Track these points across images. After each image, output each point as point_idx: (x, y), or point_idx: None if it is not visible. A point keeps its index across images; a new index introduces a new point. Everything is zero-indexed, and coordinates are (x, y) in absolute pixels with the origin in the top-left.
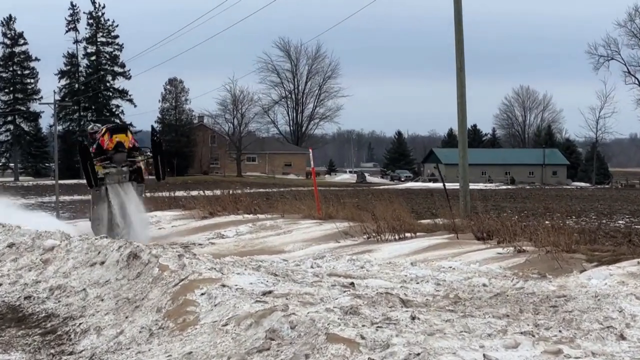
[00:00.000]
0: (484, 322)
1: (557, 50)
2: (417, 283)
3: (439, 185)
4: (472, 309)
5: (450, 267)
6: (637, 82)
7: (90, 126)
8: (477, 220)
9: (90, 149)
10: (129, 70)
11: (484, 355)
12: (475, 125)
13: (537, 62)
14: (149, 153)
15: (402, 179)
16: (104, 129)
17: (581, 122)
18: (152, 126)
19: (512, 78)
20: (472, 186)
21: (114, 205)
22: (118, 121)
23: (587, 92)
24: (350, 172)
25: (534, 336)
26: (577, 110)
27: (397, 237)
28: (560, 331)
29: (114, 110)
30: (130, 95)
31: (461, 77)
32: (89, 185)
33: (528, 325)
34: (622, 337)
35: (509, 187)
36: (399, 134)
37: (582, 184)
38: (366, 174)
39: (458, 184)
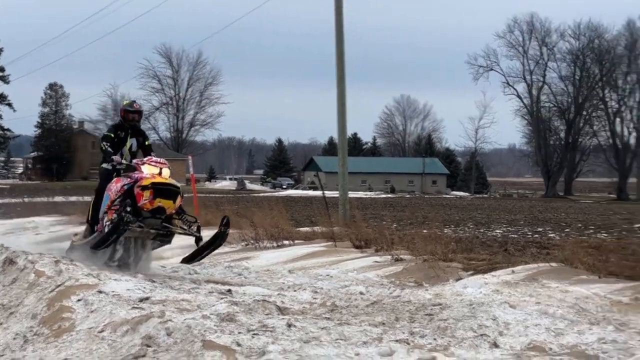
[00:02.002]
0: (360, 330)
1: (438, 60)
2: (295, 291)
3: (319, 193)
4: (349, 317)
5: (328, 275)
6: (515, 93)
7: (127, 162)
8: (355, 229)
9: (113, 179)
10: (9, 75)
11: None
12: (356, 134)
13: (418, 72)
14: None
15: (284, 187)
16: (149, 183)
17: (461, 131)
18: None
19: (393, 87)
20: (352, 194)
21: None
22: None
23: (467, 102)
24: (230, 179)
25: (409, 344)
26: (457, 120)
27: (275, 244)
28: (435, 339)
29: None
30: (8, 100)
31: (341, 86)
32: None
33: (403, 333)
34: (495, 345)
35: (389, 195)
36: (280, 141)
37: (461, 193)
38: (246, 181)
39: (338, 192)
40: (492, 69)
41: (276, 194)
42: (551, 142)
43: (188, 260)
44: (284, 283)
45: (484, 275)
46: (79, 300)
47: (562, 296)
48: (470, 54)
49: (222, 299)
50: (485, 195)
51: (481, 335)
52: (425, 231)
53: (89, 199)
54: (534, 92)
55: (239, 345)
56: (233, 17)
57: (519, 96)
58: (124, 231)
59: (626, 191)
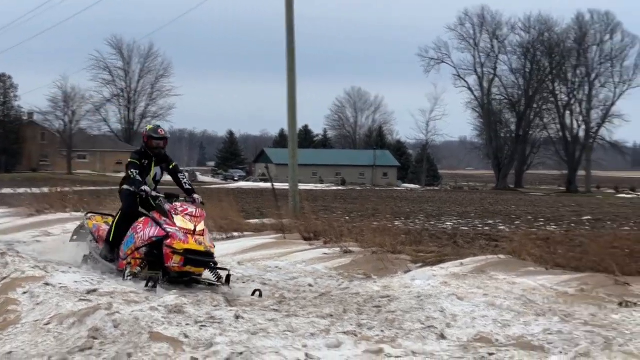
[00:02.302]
0: (308, 321)
1: (389, 52)
2: (243, 282)
3: (270, 185)
4: (297, 309)
5: (277, 267)
6: (466, 85)
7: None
8: (305, 221)
9: (141, 219)
10: None
11: (306, 354)
12: (306, 126)
13: (369, 64)
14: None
15: (236, 179)
16: (181, 249)
17: (412, 124)
18: None
19: (344, 79)
20: (303, 187)
21: None
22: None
23: (419, 95)
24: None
25: (356, 336)
26: (409, 112)
27: (224, 236)
28: (382, 331)
29: None
30: None
31: (292, 78)
32: None
33: (351, 325)
34: (442, 336)
35: (340, 188)
36: (231, 133)
37: (412, 186)
38: (198, 173)
39: (288, 184)
40: (443, 62)
41: (227, 185)
42: (502, 134)
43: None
44: (232, 275)
45: (433, 267)
46: (24, 292)
47: (509, 288)
48: (421, 47)
49: (170, 290)
50: (437, 188)
51: (429, 327)
52: (376, 223)
53: (37, 191)
54: (485, 84)
55: (186, 337)
56: (184, 9)
57: (469, 89)
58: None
59: (575, 184)
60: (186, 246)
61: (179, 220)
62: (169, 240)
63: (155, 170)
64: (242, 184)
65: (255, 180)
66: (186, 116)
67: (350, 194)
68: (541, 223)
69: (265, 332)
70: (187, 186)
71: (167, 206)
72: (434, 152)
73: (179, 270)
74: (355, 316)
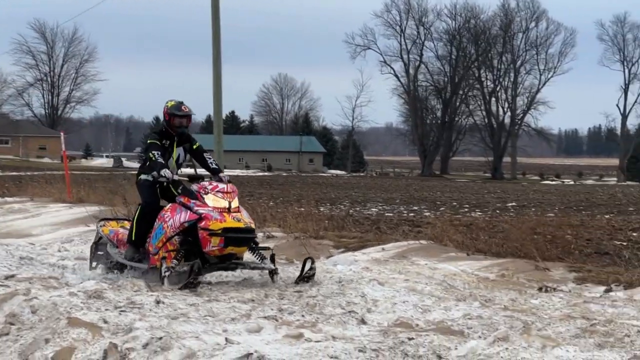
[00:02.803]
0: (229, 306)
1: (316, 39)
2: None
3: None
4: (218, 294)
5: None
6: (392, 72)
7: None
8: None
9: (168, 206)
10: None
11: (226, 339)
12: (233, 112)
13: (296, 50)
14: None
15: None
16: (219, 229)
17: (338, 110)
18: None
19: (271, 66)
20: (229, 172)
21: None
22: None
23: (345, 81)
24: (107, 156)
25: (277, 320)
26: (335, 98)
27: None
28: (303, 316)
29: None
30: None
31: (218, 64)
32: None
33: (272, 309)
34: (363, 321)
35: (266, 173)
36: (157, 119)
37: (338, 172)
38: (123, 159)
39: None
40: (369, 48)
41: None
42: (428, 121)
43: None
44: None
45: (355, 252)
46: None
47: (430, 273)
48: (348, 33)
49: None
50: (362, 174)
51: (349, 312)
52: (302, 209)
53: None
54: (411, 71)
55: (105, 322)
56: None
57: (396, 75)
58: (197, 284)
59: (501, 170)
60: (224, 225)
61: (210, 200)
62: (203, 223)
63: (177, 151)
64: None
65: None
66: (112, 101)
67: (276, 180)
68: (466, 209)
69: (185, 316)
70: (214, 166)
71: (194, 186)
72: (359, 139)
73: (220, 254)
74: (276, 301)
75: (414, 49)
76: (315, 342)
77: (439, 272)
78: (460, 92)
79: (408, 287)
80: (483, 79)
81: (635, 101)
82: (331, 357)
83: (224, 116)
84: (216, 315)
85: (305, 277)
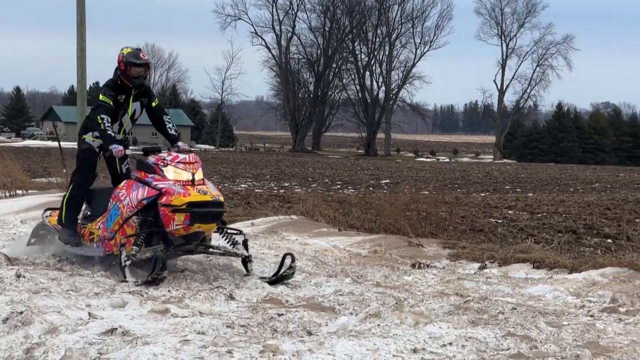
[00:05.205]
0: (93, 281)
1: (184, 7)
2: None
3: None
4: (81, 269)
5: None
6: (264, 43)
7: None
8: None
9: (123, 183)
10: None
11: (89, 314)
12: (97, 83)
13: (164, 19)
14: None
15: (34, 136)
16: (183, 204)
17: (207, 82)
18: None
19: (136, 36)
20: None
21: None
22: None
23: (214, 53)
24: None
25: (142, 296)
26: (204, 70)
27: (7, 194)
28: (169, 291)
29: None
30: None
31: (82, 32)
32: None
33: (137, 285)
34: (231, 297)
35: (130, 147)
36: (18, 89)
37: (206, 146)
38: None
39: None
40: (240, 18)
41: (13, 144)
42: (300, 95)
43: None
44: (15, 233)
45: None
46: None
47: (301, 249)
48: (218, 3)
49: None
50: (231, 149)
51: (217, 287)
52: None
53: None
54: (283, 43)
55: None
56: None
57: (267, 47)
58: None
59: (375, 146)
60: (188, 199)
61: (170, 172)
62: (164, 198)
63: (134, 106)
64: (29, 142)
65: (42, 139)
66: None
67: None
68: (338, 186)
69: (47, 291)
70: (173, 132)
71: (151, 159)
72: (229, 112)
73: (186, 233)
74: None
75: (286, 20)
76: (182, 317)
77: (310, 248)
78: (334, 65)
79: (278, 262)
80: (357, 52)
81: (513, 77)
82: (198, 333)
83: (87, 87)
84: (79, 290)
85: (282, 277)
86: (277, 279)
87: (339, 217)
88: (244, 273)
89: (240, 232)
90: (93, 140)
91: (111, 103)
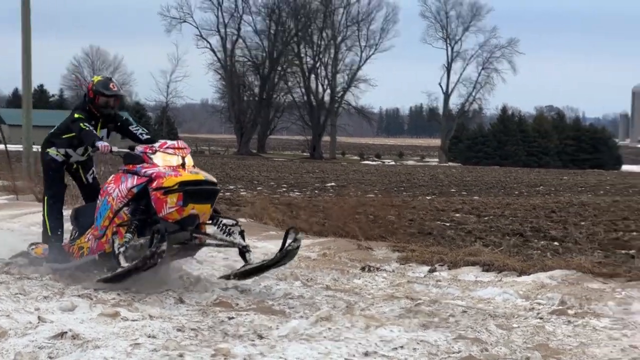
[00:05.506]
0: (42, 284)
1: (130, 10)
2: None
3: (2, 147)
4: (30, 273)
5: (9, 229)
6: (209, 46)
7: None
8: (39, 183)
9: (111, 177)
10: None
11: (38, 317)
12: (42, 86)
13: (108, 22)
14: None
15: None
16: (174, 184)
17: (152, 85)
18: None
19: (81, 38)
20: (37, 148)
21: None
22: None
23: (160, 56)
24: None
25: (91, 299)
26: (149, 73)
27: None
28: (119, 294)
29: None
30: None
31: (27, 33)
32: None
33: (87, 288)
34: (181, 300)
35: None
36: None
37: None
38: None
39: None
40: (185, 21)
41: None
42: (245, 97)
43: (238, 277)
44: None
45: None
46: None
47: None
48: (163, 5)
49: None
50: None
51: (167, 290)
52: None
53: None
54: (228, 45)
55: None
56: None
57: (212, 50)
58: (154, 265)
59: (320, 150)
60: (180, 179)
61: (159, 158)
62: (155, 183)
63: (101, 133)
64: None
65: None
66: None
67: None
68: (284, 189)
69: None
70: (146, 136)
71: (138, 149)
72: (174, 115)
73: (180, 216)
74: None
75: (231, 23)
76: (132, 320)
77: (259, 251)
78: (279, 68)
79: (227, 265)
80: (303, 55)
81: (458, 80)
82: (149, 336)
83: (32, 90)
84: (28, 294)
85: (287, 252)
86: (282, 256)
87: (287, 220)
88: (193, 276)
89: (237, 223)
90: (57, 154)
91: (84, 117)
